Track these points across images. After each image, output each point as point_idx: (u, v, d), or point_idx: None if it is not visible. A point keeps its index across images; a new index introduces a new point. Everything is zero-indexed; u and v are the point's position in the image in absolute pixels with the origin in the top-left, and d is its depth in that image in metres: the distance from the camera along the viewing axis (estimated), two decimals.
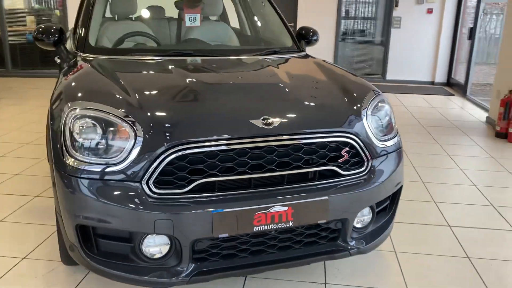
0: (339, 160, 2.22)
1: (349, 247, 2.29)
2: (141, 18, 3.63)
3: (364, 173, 2.27)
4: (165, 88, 2.41)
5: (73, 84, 2.40)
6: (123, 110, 2.07)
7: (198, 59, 2.93)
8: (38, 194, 3.52)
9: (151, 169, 1.97)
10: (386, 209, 2.51)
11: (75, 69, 2.64)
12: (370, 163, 2.29)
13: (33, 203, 3.37)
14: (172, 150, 1.97)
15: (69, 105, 2.14)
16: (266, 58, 3.00)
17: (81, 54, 2.88)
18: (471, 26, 7.73)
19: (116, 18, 3.55)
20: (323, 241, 2.27)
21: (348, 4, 9.05)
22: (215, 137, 2.03)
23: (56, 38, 3.05)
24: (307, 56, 3.23)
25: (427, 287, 2.47)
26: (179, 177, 2.00)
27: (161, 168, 1.97)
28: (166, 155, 1.97)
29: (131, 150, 1.99)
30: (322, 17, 8.68)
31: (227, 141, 2.03)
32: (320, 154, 2.18)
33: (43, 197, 3.47)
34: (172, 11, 3.80)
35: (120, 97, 2.18)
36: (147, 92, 2.29)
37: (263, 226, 2.05)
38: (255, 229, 2.05)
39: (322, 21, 8.57)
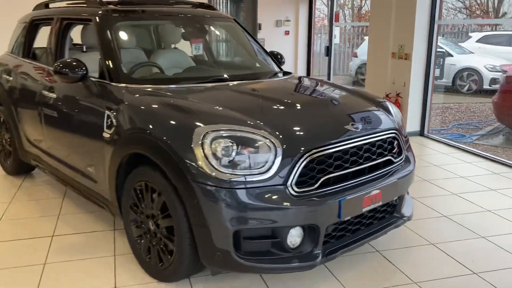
0: (393, 151, 2.93)
1: (403, 216, 3.01)
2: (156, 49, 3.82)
3: (402, 160, 3.02)
4: (268, 108, 2.82)
5: (187, 112, 2.64)
6: (258, 129, 2.44)
7: (247, 82, 3.34)
8: (52, 234, 3.40)
9: (293, 173, 2.39)
10: None
11: (156, 100, 2.83)
12: (404, 153, 3.05)
13: (57, 242, 3.27)
14: (305, 156, 2.43)
15: (200, 130, 2.40)
16: (287, 79, 3.55)
17: (127, 86, 3.00)
18: (327, 45, 9.21)
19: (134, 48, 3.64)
20: (387, 215, 2.95)
21: None
22: (331, 141, 2.55)
23: (84, 72, 3.10)
24: (294, 75, 3.86)
25: (397, 245, 3.28)
26: (310, 177, 2.46)
27: (299, 171, 2.41)
28: (302, 160, 2.42)
29: (274, 160, 2.38)
30: None
31: (341, 142, 2.57)
32: (384, 148, 2.85)
33: (59, 235, 3.37)
34: None
35: (242, 119, 2.53)
36: (261, 113, 2.69)
37: (366, 207, 2.64)
38: (363, 210, 2.62)
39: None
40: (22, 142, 4.27)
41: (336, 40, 12.99)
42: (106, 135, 2.94)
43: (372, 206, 2.67)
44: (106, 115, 2.95)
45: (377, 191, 2.68)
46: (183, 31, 3.90)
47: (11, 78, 4.25)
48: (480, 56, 12.26)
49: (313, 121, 2.68)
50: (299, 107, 2.84)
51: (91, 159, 3.19)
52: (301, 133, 2.54)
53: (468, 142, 6.96)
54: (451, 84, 11.88)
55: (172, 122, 2.58)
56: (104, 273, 2.87)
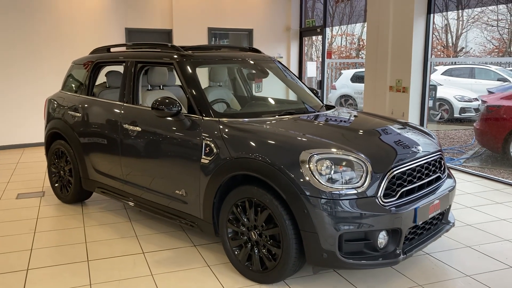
0: (441, 169, 3.59)
1: (449, 223, 3.64)
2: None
3: (446, 176, 3.68)
4: (348, 135, 3.46)
5: (287, 139, 3.21)
6: (351, 152, 3.03)
7: (313, 115, 3.97)
8: (142, 251, 3.82)
9: (381, 187, 2.99)
10: None
11: (255, 130, 3.39)
12: (446, 170, 3.72)
13: (150, 257, 3.70)
14: (390, 173, 3.04)
15: (306, 153, 2.98)
16: (333, 112, 4.18)
17: (219, 119, 3.53)
18: (320, 79, 9.99)
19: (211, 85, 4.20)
20: (438, 222, 3.57)
21: None
22: (407, 161, 3.18)
23: (179, 108, 3.61)
24: (341, 108, 4.51)
25: (440, 248, 3.98)
26: (391, 190, 3.07)
27: (385, 185, 3.01)
28: (387, 176, 3.03)
29: (366, 177, 2.98)
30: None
31: (411, 162, 3.20)
32: (436, 166, 3.51)
33: (148, 252, 3.80)
34: None
35: (334, 144, 3.12)
36: (346, 139, 3.31)
37: (431, 214, 3.26)
38: (429, 216, 3.24)
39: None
40: (87, 172, 4.67)
41: (312, 74, 13.96)
42: (204, 161, 3.45)
43: (434, 213, 3.30)
44: (203, 144, 3.47)
45: (437, 201, 3.31)
46: (246, 72, 4.50)
47: (78, 114, 4.68)
48: (449, 88, 13.45)
49: (388, 145, 3.31)
50: (372, 134, 3.47)
51: (182, 183, 3.67)
52: (383, 154, 3.16)
53: (458, 164, 7.78)
54: None
55: (277, 147, 3.13)
56: (208, 279, 3.34)
